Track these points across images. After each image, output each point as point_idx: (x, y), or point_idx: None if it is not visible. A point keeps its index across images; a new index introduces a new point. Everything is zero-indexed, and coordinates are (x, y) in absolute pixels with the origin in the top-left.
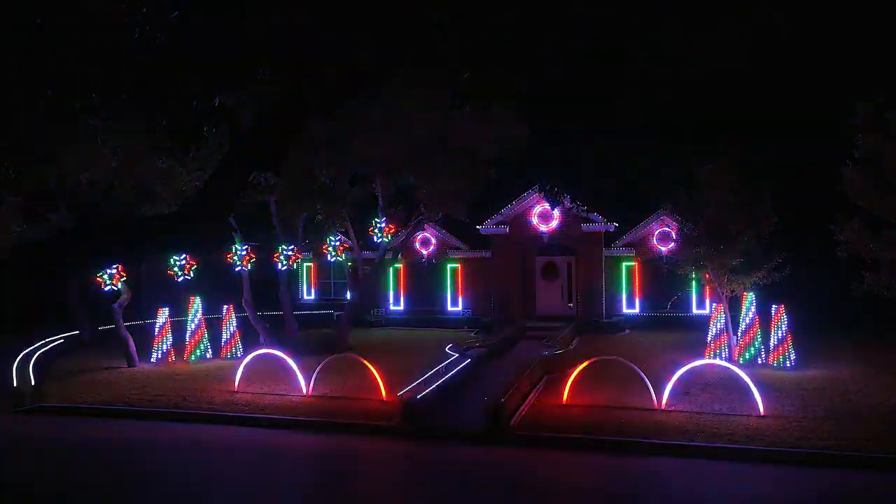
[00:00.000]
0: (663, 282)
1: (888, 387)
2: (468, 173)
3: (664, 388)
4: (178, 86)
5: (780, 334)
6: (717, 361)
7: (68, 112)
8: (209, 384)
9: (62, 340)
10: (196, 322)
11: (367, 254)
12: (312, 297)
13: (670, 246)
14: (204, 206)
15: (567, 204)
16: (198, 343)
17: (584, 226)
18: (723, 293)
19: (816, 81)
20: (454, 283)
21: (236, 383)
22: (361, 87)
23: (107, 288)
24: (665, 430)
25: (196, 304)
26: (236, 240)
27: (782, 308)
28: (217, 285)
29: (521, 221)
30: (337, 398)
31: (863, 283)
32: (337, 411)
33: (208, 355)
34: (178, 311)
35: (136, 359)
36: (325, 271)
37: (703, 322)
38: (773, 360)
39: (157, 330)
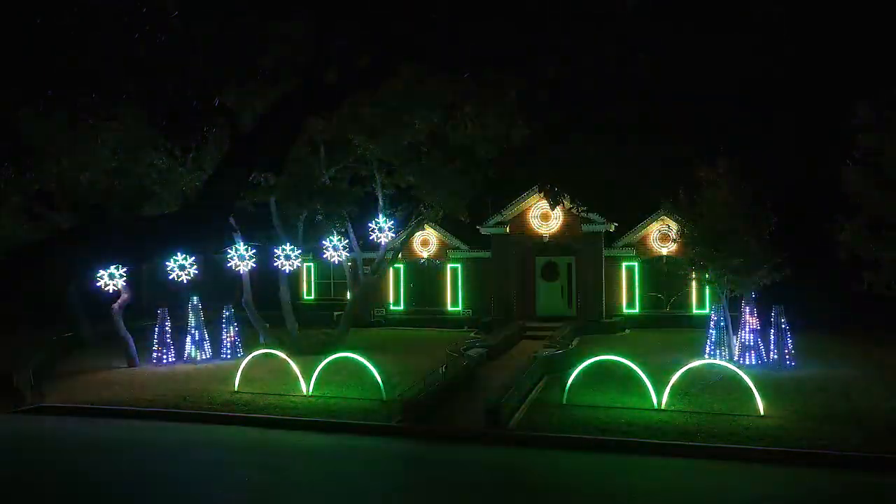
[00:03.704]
0: (663, 282)
1: (888, 387)
2: (468, 173)
3: (664, 389)
4: (178, 86)
5: (780, 334)
6: (717, 361)
7: (68, 112)
8: (209, 384)
9: (62, 341)
10: (200, 323)
11: (367, 254)
12: (312, 297)
13: (670, 246)
14: (204, 206)
15: (567, 204)
16: (198, 344)
17: (584, 226)
18: (723, 293)
19: (817, 81)
20: (454, 283)
21: (236, 383)
22: (361, 87)
23: (107, 288)
24: (665, 430)
25: (197, 305)
26: (236, 240)
27: (782, 308)
28: (217, 285)
29: (521, 221)
30: (337, 398)
31: (863, 282)
32: (337, 411)
33: (208, 355)
34: (179, 312)
35: (136, 359)
36: (325, 271)
37: (703, 322)
38: (773, 360)
39: (156, 330)
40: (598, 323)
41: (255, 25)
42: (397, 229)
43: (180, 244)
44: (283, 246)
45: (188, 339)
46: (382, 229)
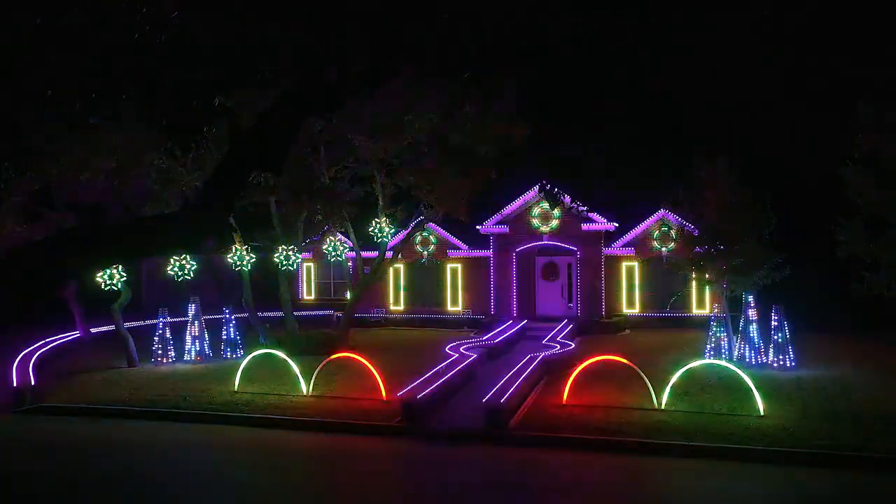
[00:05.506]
0: (663, 282)
1: (888, 387)
2: (468, 173)
3: (664, 388)
4: (178, 86)
5: (780, 334)
6: (717, 361)
7: (68, 112)
8: (209, 384)
9: (62, 340)
10: (198, 322)
11: (367, 254)
12: (312, 297)
13: (670, 246)
14: (204, 207)
15: (567, 204)
16: (198, 343)
17: (584, 226)
18: (723, 293)
19: (817, 81)
20: (454, 283)
21: (236, 383)
22: (361, 87)
23: (107, 288)
24: (665, 430)
25: (196, 305)
26: (236, 240)
27: (782, 308)
28: (217, 285)
29: (521, 221)
30: (337, 398)
31: (863, 282)
32: (337, 411)
33: (209, 355)
34: (179, 312)
35: (136, 359)
36: (325, 271)
37: (703, 322)
38: (773, 360)
39: (156, 330)
40: (598, 323)
41: (255, 26)
42: (397, 229)
43: (180, 244)
44: (283, 246)
45: (188, 338)
46: (382, 229)
